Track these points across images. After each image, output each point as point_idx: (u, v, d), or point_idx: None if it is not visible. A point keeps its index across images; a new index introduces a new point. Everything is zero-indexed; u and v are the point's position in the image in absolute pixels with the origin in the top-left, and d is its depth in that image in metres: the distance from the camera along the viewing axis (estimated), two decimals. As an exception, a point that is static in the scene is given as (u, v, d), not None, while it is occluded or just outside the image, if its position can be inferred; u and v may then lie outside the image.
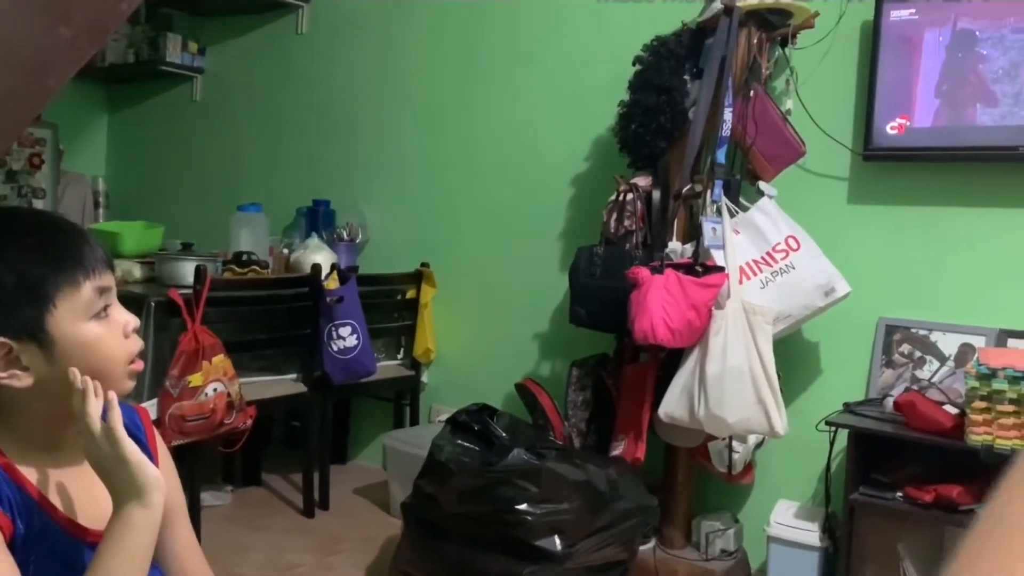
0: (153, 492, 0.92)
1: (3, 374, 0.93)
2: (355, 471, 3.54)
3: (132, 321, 1.01)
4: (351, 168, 3.73)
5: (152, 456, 1.13)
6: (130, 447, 0.93)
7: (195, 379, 2.59)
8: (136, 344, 1.01)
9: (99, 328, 0.97)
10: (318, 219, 3.60)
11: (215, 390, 2.62)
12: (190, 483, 2.64)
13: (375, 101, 3.65)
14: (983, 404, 1.98)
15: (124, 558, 0.89)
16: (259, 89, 4.04)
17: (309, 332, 3.00)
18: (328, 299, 2.98)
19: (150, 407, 2.62)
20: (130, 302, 2.74)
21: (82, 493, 0.98)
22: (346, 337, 2.99)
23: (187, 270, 2.87)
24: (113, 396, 0.95)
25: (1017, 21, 2.26)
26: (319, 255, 3.20)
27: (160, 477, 0.94)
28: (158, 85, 4.34)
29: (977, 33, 2.31)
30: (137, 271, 3.13)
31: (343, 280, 3.06)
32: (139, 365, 1.02)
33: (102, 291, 0.98)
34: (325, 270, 3.05)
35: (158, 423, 2.57)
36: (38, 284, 0.93)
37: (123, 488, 0.92)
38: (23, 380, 0.94)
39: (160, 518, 0.94)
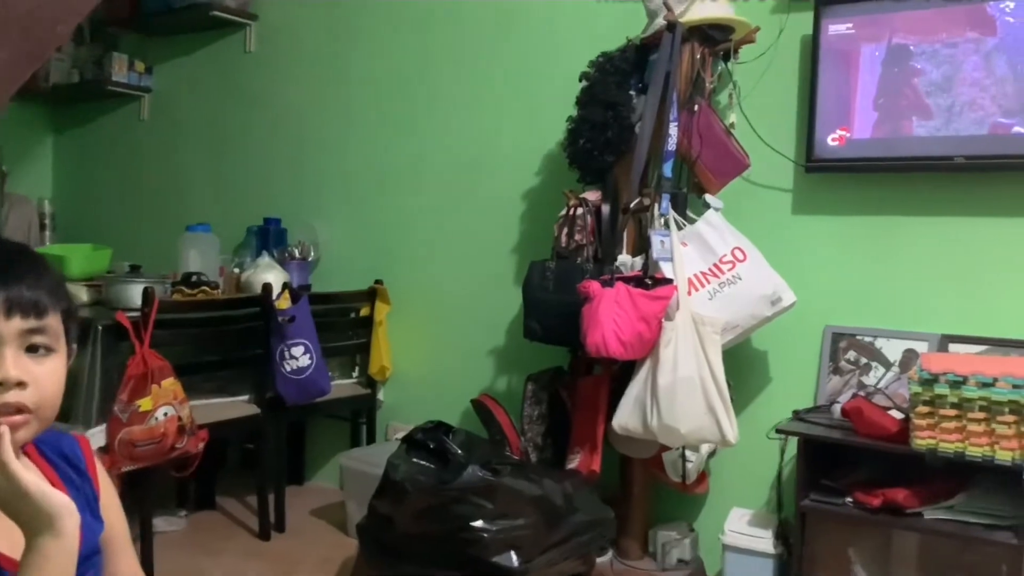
0: (63, 520, 0.87)
1: None
2: (312, 492, 3.50)
3: (3, 373, 0.90)
4: (302, 185, 3.71)
5: (91, 486, 1.11)
6: (28, 479, 0.87)
7: (144, 403, 2.55)
8: (1, 400, 0.90)
9: None
10: (269, 238, 3.57)
11: (165, 414, 2.58)
12: (142, 509, 2.60)
13: (324, 117, 3.64)
14: (926, 408, 2.03)
15: None
16: (208, 108, 4.00)
17: (261, 352, 2.97)
18: (280, 319, 2.96)
19: (98, 433, 2.57)
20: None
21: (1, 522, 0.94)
22: (299, 357, 2.97)
23: (135, 292, 2.83)
24: (4, 431, 0.88)
25: (949, 36, 2.33)
26: (270, 274, 3.17)
27: (69, 504, 0.89)
28: (104, 105, 4.28)
29: (911, 47, 2.38)
30: (84, 295, 3.07)
31: (295, 299, 3.04)
32: (9, 420, 0.90)
33: None
34: (276, 289, 3.02)
35: (107, 449, 2.53)
36: None
37: (31, 521, 0.87)
38: None
39: (75, 545, 0.90)
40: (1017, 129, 2.26)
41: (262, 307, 2.97)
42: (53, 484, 1.05)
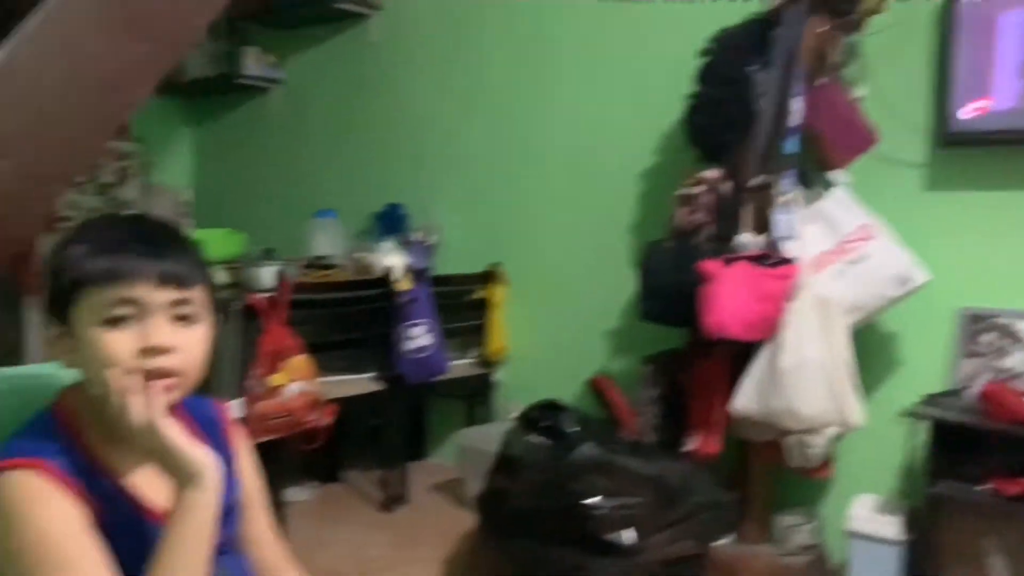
0: (206, 474, 0.95)
1: (55, 351, 1.01)
2: (432, 468, 3.60)
3: (153, 340, 0.97)
4: (423, 171, 3.80)
5: (228, 448, 1.18)
6: (177, 436, 0.95)
7: (277, 379, 2.68)
8: (152, 363, 0.97)
9: (109, 335, 0.96)
10: (392, 223, 3.68)
11: (296, 389, 2.71)
12: (274, 479, 2.73)
13: (445, 104, 3.71)
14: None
15: (186, 539, 0.93)
16: (333, 98, 4.14)
17: (384, 332, 3.07)
18: (401, 300, 3.05)
19: (235, 406, 2.72)
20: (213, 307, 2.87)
21: (159, 478, 1.01)
22: (419, 337, 3.05)
23: (268, 275, 2.97)
24: (158, 392, 0.96)
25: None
26: (392, 257, 3.27)
27: (212, 459, 0.96)
28: (238, 97, 4.49)
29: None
30: (221, 276, 3.24)
31: (416, 281, 3.12)
32: (153, 386, 0.96)
33: (129, 301, 0.96)
34: (398, 272, 3.12)
35: (243, 422, 2.67)
36: (75, 277, 0.97)
37: (177, 474, 0.95)
38: (65, 361, 1.01)
39: (217, 498, 0.96)
40: None
41: (385, 289, 3.07)
42: (195, 442, 1.14)
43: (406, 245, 3.53)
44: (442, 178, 3.73)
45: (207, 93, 4.59)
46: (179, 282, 1.00)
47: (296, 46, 4.27)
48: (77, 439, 1.00)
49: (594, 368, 3.14)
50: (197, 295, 1.03)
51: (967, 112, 2.35)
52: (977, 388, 2.18)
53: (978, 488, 2.10)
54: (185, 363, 1.00)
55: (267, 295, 2.79)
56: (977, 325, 2.40)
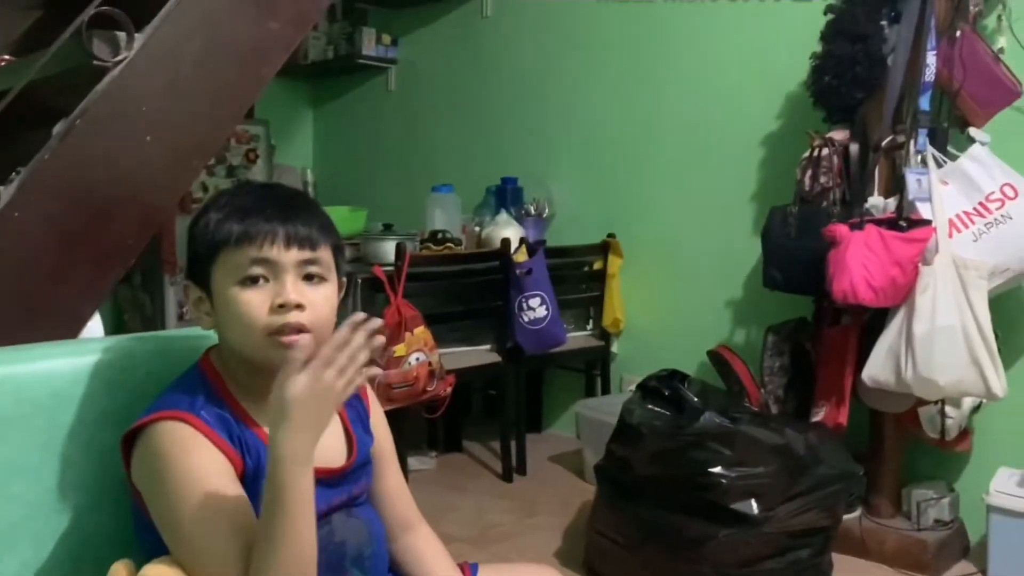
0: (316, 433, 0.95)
1: (196, 313, 1.07)
2: (550, 439, 3.63)
3: (285, 296, 1.01)
4: (537, 146, 3.80)
5: (362, 405, 1.23)
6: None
7: (399, 349, 2.75)
8: (283, 319, 1.00)
9: (244, 294, 1.01)
10: (507, 196, 3.71)
11: (417, 359, 2.77)
12: (397, 447, 2.81)
13: (559, 76, 3.70)
14: None
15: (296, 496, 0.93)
16: (448, 74, 4.20)
17: (501, 304, 3.10)
18: (518, 272, 3.07)
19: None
20: (338, 279, 2.97)
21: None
22: (536, 308, 3.07)
23: (388, 249, 3.05)
24: (304, 340, 0.99)
25: None
26: (508, 230, 3.30)
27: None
28: (356, 78, 4.60)
29: None
30: (344, 252, 3.35)
31: (531, 253, 3.15)
32: (291, 339, 1.00)
33: (261, 261, 1.01)
34: (514, 244, 3.14)
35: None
36: (212, 241, 1.03)
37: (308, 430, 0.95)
38: (204, 323, 1.07)
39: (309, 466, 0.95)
40: None
41: (501, 261, 3.10)
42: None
43: (521, 218, 3.56)
44: (557, 151, 3.73)
45: (327, 75, 4.73)
46: (307, 243, 1.04)
47: (411, 25, 4.34)
48: (221, 394, 1.06)
49: (714, 339, 3.08)
50: (324, 255, 1.07)
51: (1125, 59, 2.18)
52: None
53: None
54: (315, 319, 1.04)
55: (388, 268, 2.87)
56: None
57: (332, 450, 1.13)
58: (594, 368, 3.55)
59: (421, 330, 2.81)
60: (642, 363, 3.33)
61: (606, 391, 3.50)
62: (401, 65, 4.43)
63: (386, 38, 4.39)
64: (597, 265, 3.45)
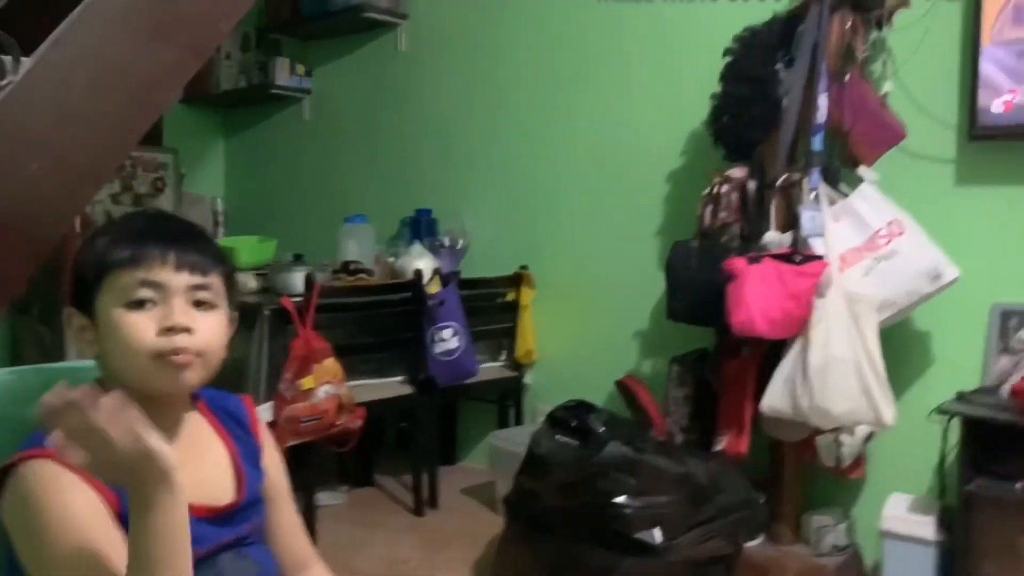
0: (172, 475, 0.87)
1: (79, 344, 1.04)
2: (463, 471, 3.61)
3: (173, 319, 0.99)
4: (451, 177, 3.83)
5: (254, 441, 1.20)
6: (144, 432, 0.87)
7: (307, 382, 2.71)
8: (171, 342, 0.99)
9: (131, 317, 0.99)
10: (421, 227, 3.71)
11: (326, 392, 2.73)
12: (306, 483, 2.77)
13: (473, 110, 3.74)
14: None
15: (159, 538, 0.87)
16: (363, 106, 4.19)
17: (413, 335, 3.09)
18: (430, 303, 3.07)
19: (266, 409, 2.76)
20: (245, 311, 2.91)
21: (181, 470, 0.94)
22: (448, 339, 3.07)
23: (298, 279, 3.01)
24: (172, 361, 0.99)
25: None
26: (421, 261, 3.30)
27: (173, 458, 0.88)
28: (269, 108, 4.56)
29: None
30: (252, 282, 3.30)
31: (444, 284, 3.15)
32: (181, 359, 0.99)
33: (150, 284, 1.00)
34: (427, 275, 3.14)
35: (274, 425, 2.71)
36: (99, 264, 1.01)
37: (144, 474, 0.87)
38: (88, 352, 1.04)
39: (183, 499, 0.89)
40: None
41: (414, 292, 3.09)
42: (220, 436, 1.16)
43: (435, 249, 3.56)
44: (471, 183, 3.76)
45: (239, 104, 4.67)
46: (198, 268, 1.04)
47: (326, 56, 4.33)
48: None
49: (623, 369, 3.14)
50: (215, 282, 1.06)
51: (996, 106, 2.32)
52: (1010, 385, 2.14)
53: (1013, 486, 2.06)
54: (204, 345, 1.03)
55: (297, 299, 2.83)
56: (1011, 321, 2.36)
57: (219, 487, 1.10)
58: (507, 399, 3.55)
59: (331, 362, 2.77)
60: (555, 393, 3.34)
61: (519, 422, 3.51)
62: (315, 96, 4.41)
63: (300, 68, 4.37)
64: (510, 296, 3.48)
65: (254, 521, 1.15)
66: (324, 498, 3.16)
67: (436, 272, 3.23)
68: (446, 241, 3.63)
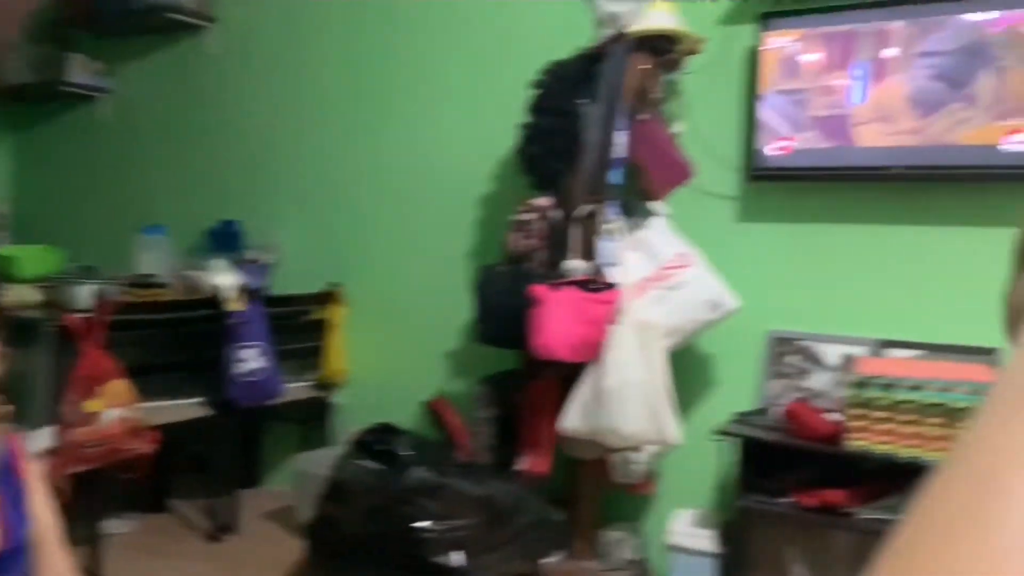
0: None
1: None
2: (266, 495, 3.49)
3: None
4: (260, 188, 3.71)
5: (17, 483, 1.13)
6: None
7: (94, 405, 2.54)
8: None
9: None
10: (226, 240, 3.57)
11: (114, 416, 2.58)
12: (92, 511, 2.59)
13: (284, 120, 3.65)
14: (860, 411, 2.09)
15: None
16: (167, 109, 3.99)
17: (214, 355, 2.97)
18: (233, 321, 2.96)
19: (47, 434, 2.56)
20: (25, 328, 2.70)
21: None
22: (251, 359, 2.98)
23: (85, 294, 2.82)
24: None
25: (888, 49, 2.40)
26: (224, 276, 3.17)
27: None
28: (62, 106, 4.25)
29: (854, 60, 2.44)
30: (33, 296, 3.05)
31: (248, 301, 3.04)
32: None
33: None
34: (231, 291, 3.03)
35: (55, 451, 2.52)
36: None
37: None
38: None
39: None
40: (949, 141, 2.33)
41: (215, 309, 2.97)
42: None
43: (240, 264, 3.44)
44: (280, 196, 3.66)
45: (28, 100, 4.31)
46: None
47: (128, 55, 4.09)
48: None
49: (433, 390, 3.16)
50: None
51: (773, 149, 2.54)
52: (781, 407, 2.34)
53: (781, 501, 2.25)
54: None
55: (84, 315, 2.65)
56: (783, 347, 2.58)
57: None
58: (314, 420, 3.48)
59: (120, 383, 2.62)
60: (364, 414, 3.31)
61: (327, 443, 3.44)
62: (115, 96, 4.15)
63: (97, 66, 4.10)
64: (320, 314, 3.41)
65: (20, 570, 1.08)
66: (111, 526, 2.96)
67: (240, 288, 3.12)
68: (253, 255, 3.52)
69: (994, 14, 2.27)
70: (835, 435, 2.17)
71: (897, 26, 2.38)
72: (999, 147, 2.26)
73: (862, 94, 2.43)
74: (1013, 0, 2.25)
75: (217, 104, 3.83)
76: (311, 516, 2.38)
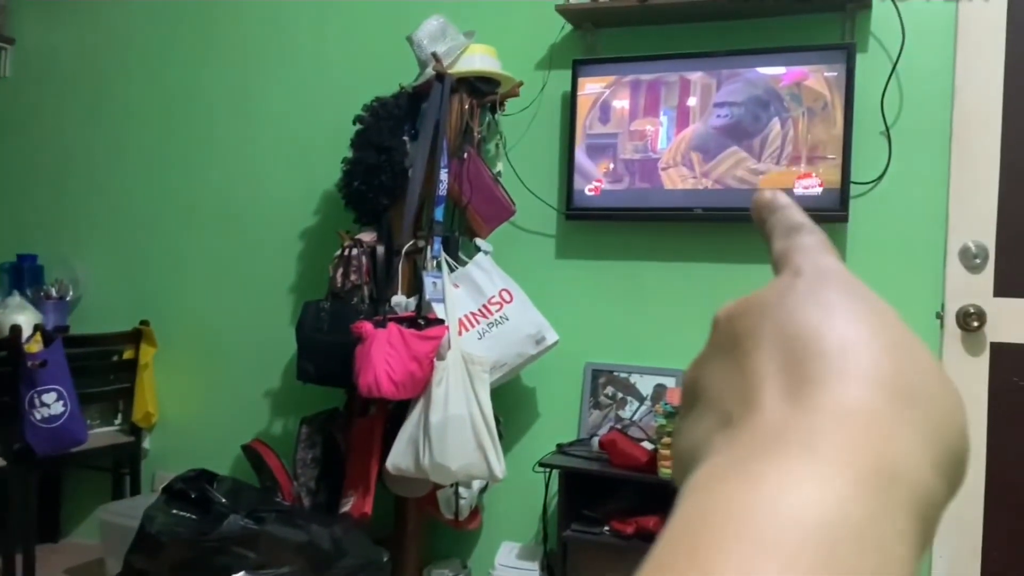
0: None
1: None
2: (69, 549, 3.24)
3: None
4: (62, 221, 3.47)
5: None
6: None
7: None
8: None
9: None
10: (22, 276, 3.31)
11: None
12: None
13: (88, 149, 3.44)
14: (670, 439, 2.19)
15: None
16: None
17: (8, 400, 2.73)
18: (30, 363, 2.74)
19: None
20: None
21: None
22: (51, 404, 2.76)
23: None
24: None
25: (691, 98, 2.57)
26: (20, 315, 2.94)
27: None
28: None
29: (662, 107, 2.60)
30: None
31: (47, 342, 2.83)
32: None
33: None
34: (27, 331, 2.81)
35: None
36: None
37: None
38: None
39: None
40: (744, 185, 2.52)
41: (10, 351, 2.75)
42: None
43: (40, 301, 3.20)
44: (85, 228, 3.44)
45: None
46: None
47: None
48: None
49: (252, 431, 3.04)
50: None
51: (586, 189, 2.65)
52: (600, 437, 2.43)
53: (600, 530, 2.33)
54: None
55: None
56: (600, 379, 2.68)
57: None
58: (123, 467, 3.27)
59: None
60: (177, 459, 3.15)
61: (137, 491, 3.24)
62: None
63: None
64: (128, 354, 3.22)
65: None
66: None
67: (38, 328, 2.89)
68: (53, 292, 3.28)
69: (781, 69, 2.49)
70: (650, 463, 2.28)
71: (696, 76, 2.56)
72: (793, 191, 2.46)
73: (667, 139, 2.58)
74: (799, 58, 2.48)
75: (13, 130, 3.57)
76: (119, 571, 2.23)
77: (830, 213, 2.39)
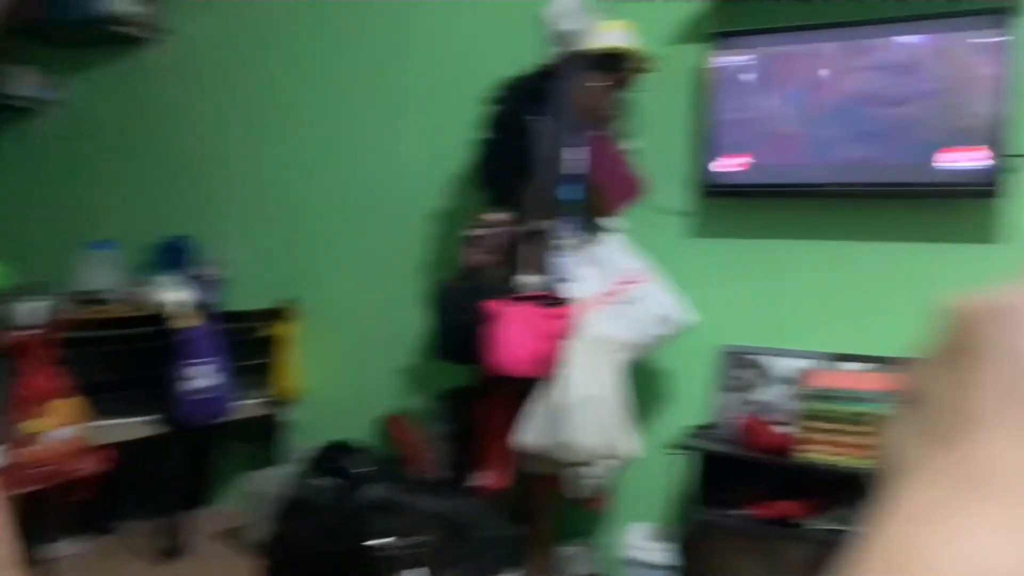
0: None
1: None
2: (218, 514, 3.43)
3: None
4: (214, 203, 3.67)
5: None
6: None
7: (37, 425, 2.48)
8: None
9: None
10: (177, 255, 3.52)
11: (60, 436, 2.52)
12: (39, 533, 2.52)
13: (238, 134, 3.61)
14: (810, 423, 2.13)
15: None
16: (115, 122, 3.92)
17: (164, 372, 2.92)
18: (183, 338, 2.92)
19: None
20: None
21: None
22: (203, 376, 2.93)
23: (29, 310, 2.75)
24: None
25: (839, 71, 2.46)
26: (176, 292, 3.12)
27: None
28: (6, 118, 4.14)
29: (806, 80, 2.50)
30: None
31: (200, 317, 3.00)
32: None
33: None
34: (182, 307, 2.98)
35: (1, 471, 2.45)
36: None
37: None
38: None
39: None
40: (888, 160, 2.40)
41: (165, 326, 2.92)
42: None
43: (191, 279, 3.39)
44: (232, 210, 3.62)
45: (-31, 112, 4.20)
46: None
47: (74, 66, 4.01)
48: None
49: (390, 406, 3.14)
50: None
51: (726, 166, 2.58)
52: (734, 420, 2.38)
53: (736, 513, 2.29)
54: None
55: (28, 333, 2.58)
56: (734, 362, 2.62)
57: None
58: (268, 437, 3.43)
59: (66, 403, 2.56)
60: (319, 431, 3.28)
61: (279, 462, 3.40)
62: (60, 107, 4.06)
63: (41, 77, 4.01)
64: (273, 330, 3.37)
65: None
66: (59, 548, 2.88)
67: (190, 304, 3.07)
68: (205, 270, 3.47)
69: (929, 37, 2.35)
70: (786, 447, 2.21)
71: (838, 47, 2.45)
72: (933, 165, 2.33)
73: (810, 113, 2.49)
74: (948, 24, 2.33)
75: (168, 117, 3.78)
76: (268, 534, 2.35)
77: (986, 188, 2.25)
